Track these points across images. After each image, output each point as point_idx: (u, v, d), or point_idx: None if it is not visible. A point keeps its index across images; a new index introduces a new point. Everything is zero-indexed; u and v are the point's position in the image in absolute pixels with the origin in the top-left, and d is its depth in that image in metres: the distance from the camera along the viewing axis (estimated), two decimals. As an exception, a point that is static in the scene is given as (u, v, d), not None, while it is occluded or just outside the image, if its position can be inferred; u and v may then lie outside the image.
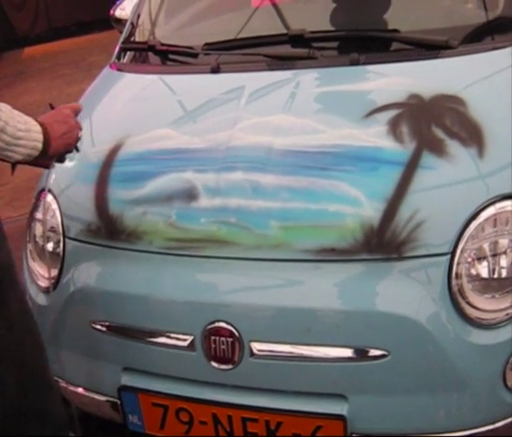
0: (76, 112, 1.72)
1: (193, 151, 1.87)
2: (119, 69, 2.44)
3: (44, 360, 1.89)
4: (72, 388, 1.89)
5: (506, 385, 1.55)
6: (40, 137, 1.56)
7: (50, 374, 1.90)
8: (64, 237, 1.90)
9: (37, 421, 1.85)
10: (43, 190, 2.05)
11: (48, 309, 1.92)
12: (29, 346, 1.82)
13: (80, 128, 1.71)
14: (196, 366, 1.65)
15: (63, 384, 1.91)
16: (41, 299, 1.95)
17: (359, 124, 1.79)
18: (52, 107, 1.68)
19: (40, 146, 1.56)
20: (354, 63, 2.00)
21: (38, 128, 1.56)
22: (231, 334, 1.59)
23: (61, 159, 1.71)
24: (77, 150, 1.76)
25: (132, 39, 2.56)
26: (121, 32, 2.68)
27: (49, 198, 1.99)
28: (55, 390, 1.91)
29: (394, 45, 2.05)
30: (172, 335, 1.67)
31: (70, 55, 9.11)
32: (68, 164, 2.05)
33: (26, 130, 1.53)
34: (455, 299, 1.55)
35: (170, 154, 1.90)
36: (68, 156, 1.74)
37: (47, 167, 1.73)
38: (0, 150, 1.51)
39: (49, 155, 1.61)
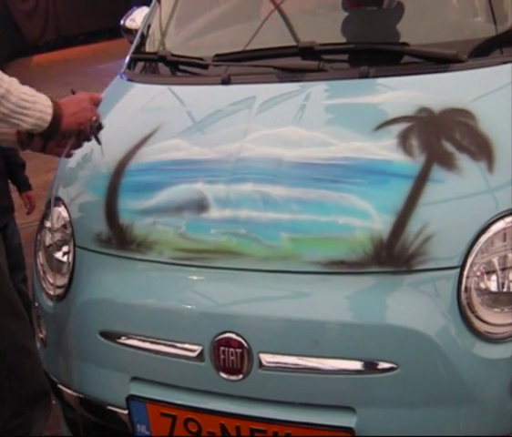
0: (95, 101, 1.84)
1: (203, 162, 1.88)
2: (130, 79, 2.45)
3: (23, 328, 1.98)
4: (79, 396, 1.89)
5: (514, 399, 1.55)
6: (49, 110, 1.69)
7: (30, 343, 1.97)
8: (74, 246, 1.91)
9: (14, 384, 1.93)
10: (53, 199, 2.06)
11: (57, 318, 1.93)
12: (7, 315, 1.89)
13: (95, 114, 1.81)
14: (205, 376, 1.65)
15: (70, 392, 1.92)
16: (50, 308, 1.96)
17: (369, 137, 1.79)
18: (73, 93, 1.83)
19: (49, 118, 1.69)
20: (364, 76, 2.00)
21: (48, 103, 1.70)
22: (240, 345, 1.59)
23: (77, 145, 1.84)
24: (99, 142, 1.87)
25: (143, 49, 2.58)
26: (131, 42, 2.70)
27: (60, 207, 2.01)
28: (34, 357, 1.97)
29: (404, 59, 2.05)
30: (181, 345, 1.67)
31: (78, 63, 9.16)
32: (79, 172, 2.09)
33: (33, 102, 1.66)
34: (464, 312, 1.55)
35: (181, 164, 1.91)
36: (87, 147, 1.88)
37: (60, 155, 1.84)
38: (7, 117, 1.64)
39: (61, 130, 1.73)
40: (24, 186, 3.02)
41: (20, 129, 1.70)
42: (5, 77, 1.63)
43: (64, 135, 1.76)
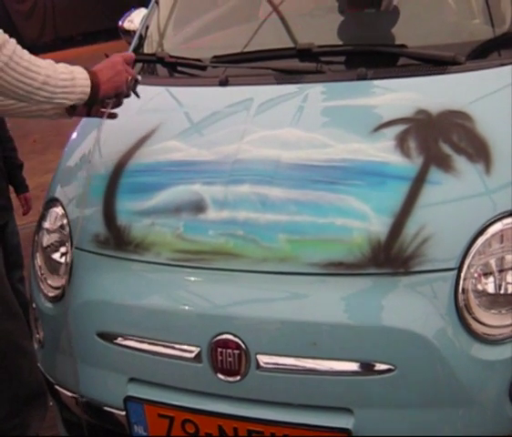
0: (128, 61, 1.92)
1: (201, 163, 1.88)
2: (128, 80, 2.44)
3: (19, 329, 2.00)
4: (76, 397, 1.88)
5: (512, 401, 1.55)
6: (87, 82, 1.77)
7: (26, 343, 1.98)
8: (71, 247, 1.91)
9: (11, 384, 1.94)
10: (51, 200, 2.06)
11: (55, 319, 1.92)
12: (3, 315, 1.90)
13: (130, 73, 1.89)
14: (202, 378, 1.65)
15: (67, 393, 1.91)
16: (48, 309, 1.96)
17: (367, 138, 1.79)
18: (106, 56, 1.90)
19: (88, 90, 1.77)
20: (362, 77, 2.01)
21: (85, 75, 1.77)
22: (238, 346, 1.59)
23: (118, 104, 1.93)
24: (138, 96, 1.96)
25: (141, 51, 2.58)
26: (129, 43, 2.69)
27: (57, 207, 2.01)
28: (30, 357, 1.98)
29: (402, 61, 2.05)
30: (179, 346, 1.67)
31: (76, 64, 9.14)
32: (77, 172, 2.09)
33: (72, 79, 1.74)
34: (461, 314, 1.55)
35: (179, 166, 1.91)
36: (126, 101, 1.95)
37: (103, 115, 1.93)
38: (50, 100, 1.72)
39: (100, 97, 1.82)
40: (21, 187, 3.03)
41: (64, 106, 1.82)
42: (43, 63, 1.70)
43: (104, 98, 1.85)
